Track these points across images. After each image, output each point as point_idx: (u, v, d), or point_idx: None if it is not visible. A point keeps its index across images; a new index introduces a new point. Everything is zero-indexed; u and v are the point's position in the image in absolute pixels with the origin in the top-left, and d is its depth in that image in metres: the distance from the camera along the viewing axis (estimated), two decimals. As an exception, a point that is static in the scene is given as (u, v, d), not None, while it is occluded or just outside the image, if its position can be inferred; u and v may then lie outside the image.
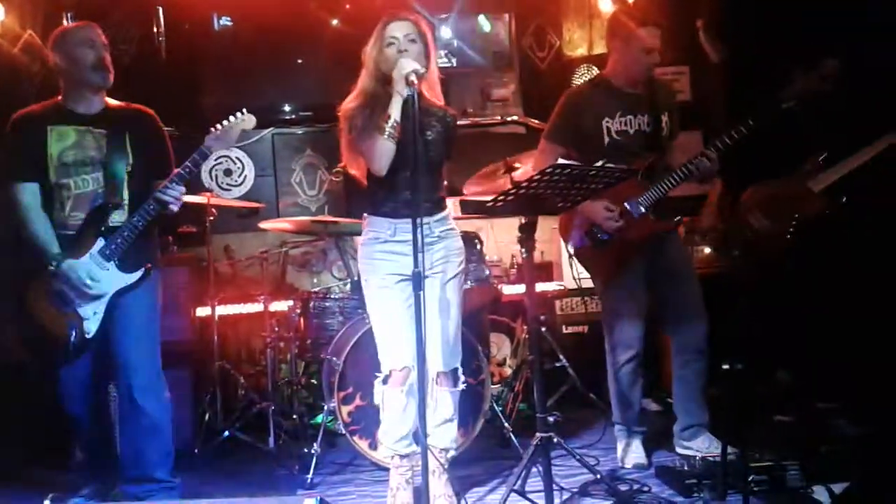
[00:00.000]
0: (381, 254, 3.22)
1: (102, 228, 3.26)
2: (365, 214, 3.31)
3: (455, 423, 3.35)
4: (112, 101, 3.41)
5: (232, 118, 3.27)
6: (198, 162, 3.23)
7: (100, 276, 3.22)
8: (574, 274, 3.96)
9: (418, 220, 2.76)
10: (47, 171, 3.26)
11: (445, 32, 5.69)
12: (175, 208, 3.25)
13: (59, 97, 3.36)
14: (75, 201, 3.27)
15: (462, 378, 3.33)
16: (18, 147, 3.30)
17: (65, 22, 4.89)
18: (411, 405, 3.18)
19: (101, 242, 3.24)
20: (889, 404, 3.50)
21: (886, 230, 3.79)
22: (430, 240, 3.20)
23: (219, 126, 3.26)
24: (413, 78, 2.88)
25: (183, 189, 3.26)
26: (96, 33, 3.33)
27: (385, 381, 3.21)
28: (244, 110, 3.29)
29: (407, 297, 3.09)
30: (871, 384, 3.70)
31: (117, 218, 3.29)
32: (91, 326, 3.23)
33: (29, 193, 3.27)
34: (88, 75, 3.28)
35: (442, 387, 3.26)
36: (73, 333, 3.20)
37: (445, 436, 3.32)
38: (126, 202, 3.31)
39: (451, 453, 3.37)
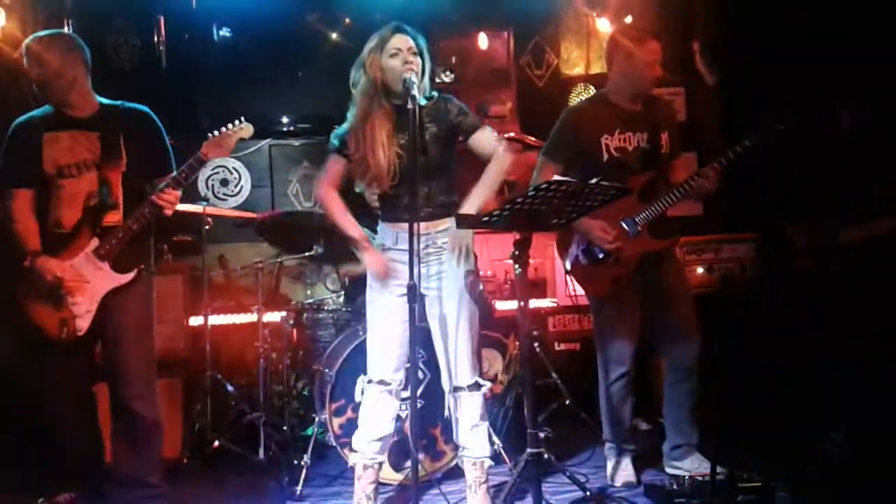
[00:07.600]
0: (387, 262, 3.22)
1: (97, 229, 3.29)
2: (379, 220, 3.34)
3: (484, 428, 3.26)
4: (105, 101, 3.42)
5: (230, 126, 3.31)
6: (194, 167, 3.26)
7: (93, 275, 3.25)
8: (570, 290, 3.96)
9: (417, 231, 2.79)
10: (42, 176, 3.29)
11: (444, 48, 5.73)
12: (169, 212, 3.28)
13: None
14: (70, 201, 3.30)
15: (485, 382, 3.25)
16: (14, 153, 3.35)
17: (66, 28, 4.92)
18: (389, 407, 3.22)
19: (95, 242, 3.28)
20: (876, 428, 3.51)
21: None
22: (433, 250, 3.17)
23: (216, 133, 3.29)
24: (415, 92, 2.92)
25: (178, 193, 3.28)
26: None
27: (369, 381, 3.26)
28: (242, 119, 3.33)
29: (405, 311, 3.07)
30: (860, 407, 3.70)
31: (112, 218, 3.31)
32: (83, 324, 3.25)
33: (20, 198, 3.32)
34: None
35: (462, 392, 3.20)
36: (65, 331, 3.22)
37: (476, 443, 3.23)
38: (121, 203, 3.33)
39: (488, 462, 3.28)
